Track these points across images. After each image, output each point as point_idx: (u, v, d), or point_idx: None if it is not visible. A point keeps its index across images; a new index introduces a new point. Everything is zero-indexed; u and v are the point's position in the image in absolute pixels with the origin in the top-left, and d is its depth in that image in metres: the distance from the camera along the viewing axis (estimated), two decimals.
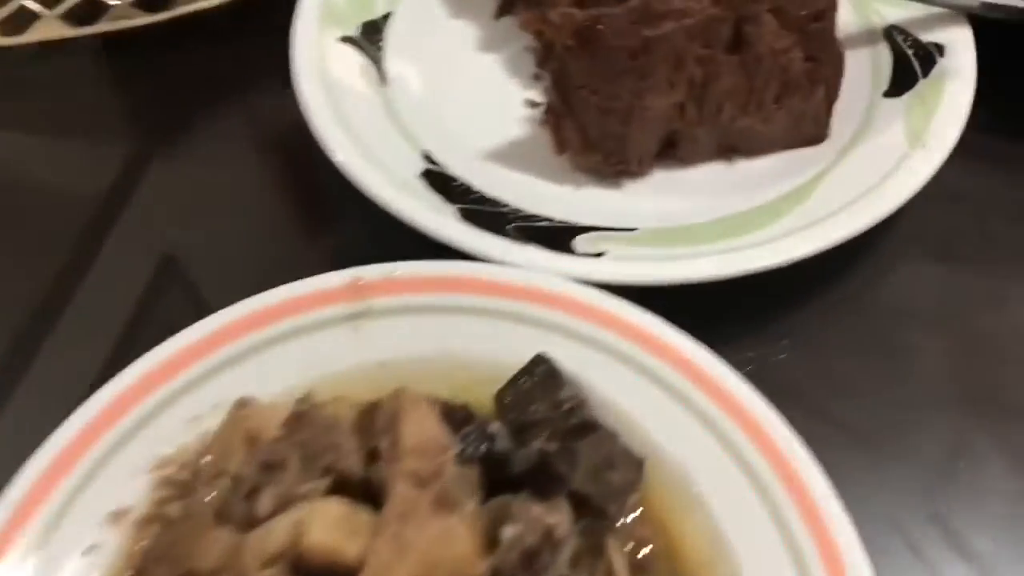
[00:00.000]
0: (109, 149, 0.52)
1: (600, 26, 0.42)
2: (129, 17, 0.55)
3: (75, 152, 0.52)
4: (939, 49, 0.48)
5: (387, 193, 0.42)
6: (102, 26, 0.54)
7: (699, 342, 0.36)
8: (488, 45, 0.52)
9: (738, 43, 0.44)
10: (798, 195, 0.44)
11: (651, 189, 0.46)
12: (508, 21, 0.52)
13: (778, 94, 0.45)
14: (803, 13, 0.44)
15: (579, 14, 0.42)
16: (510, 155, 0.47)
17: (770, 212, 0.43)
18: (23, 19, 0.55)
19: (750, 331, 0.43)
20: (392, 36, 0.51)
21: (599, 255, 0.41)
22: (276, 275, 0.39)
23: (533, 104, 0.49)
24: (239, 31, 0.55)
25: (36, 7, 0.55)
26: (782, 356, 0.42)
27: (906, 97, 0.47)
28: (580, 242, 0.42)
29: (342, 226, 0.47)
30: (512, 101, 0.50)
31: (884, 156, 0.44)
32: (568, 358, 0.37)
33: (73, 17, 0.55)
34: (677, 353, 0.36)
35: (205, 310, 0.38)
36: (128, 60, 0.55)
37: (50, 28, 0.54)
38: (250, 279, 0.40)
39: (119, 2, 0.55)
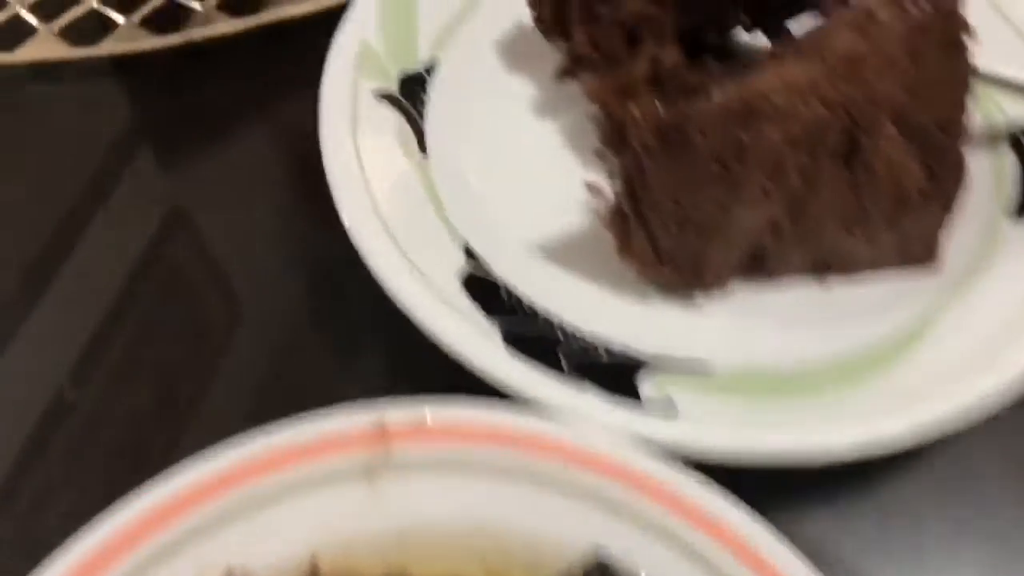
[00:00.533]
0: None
1: (688, 126, 0.35)
2: (135, 39, 0.48)
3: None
4: None
5: (424, 308, 0.36)
6: (107, 46, 0.48)
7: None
8: (545, 110, 0.45)
9: (850, 152, 0.37)
10: (907, 341, 0.37)
11: (729, 309, 0.39)
12: (571, 88, 0.45)
13: (890, 213, 0.38)
14: (928, 121, 0.37)
15: (664, 110, 0.35)
16: (564, 252, 0.40)
17: (872, 363, 0.36)
18: (17, 34, 0.48)
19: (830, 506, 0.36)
20: (436, 93, 0.44)
21: (668, 405, 0.34)
22: (277, 396, 0.33)
23: (593, 189, 0.42)
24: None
25: (33, 20, 0.48)
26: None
27: None
28: (645, 382, 0.35)
29: (361, 322, 0.41)
30: (569, 183, 0.42)
31: (1011, 298, 0.38)
32: (632, 549, 0.30)
33: (73, 34, 0.48)
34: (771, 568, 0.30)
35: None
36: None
37: (47, 46, 0.48)
38: (241, 401, 0.34)
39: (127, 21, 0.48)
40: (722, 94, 0.36)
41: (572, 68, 0.44)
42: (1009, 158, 0.42)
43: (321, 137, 0.40)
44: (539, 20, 0.45)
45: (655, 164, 0.36)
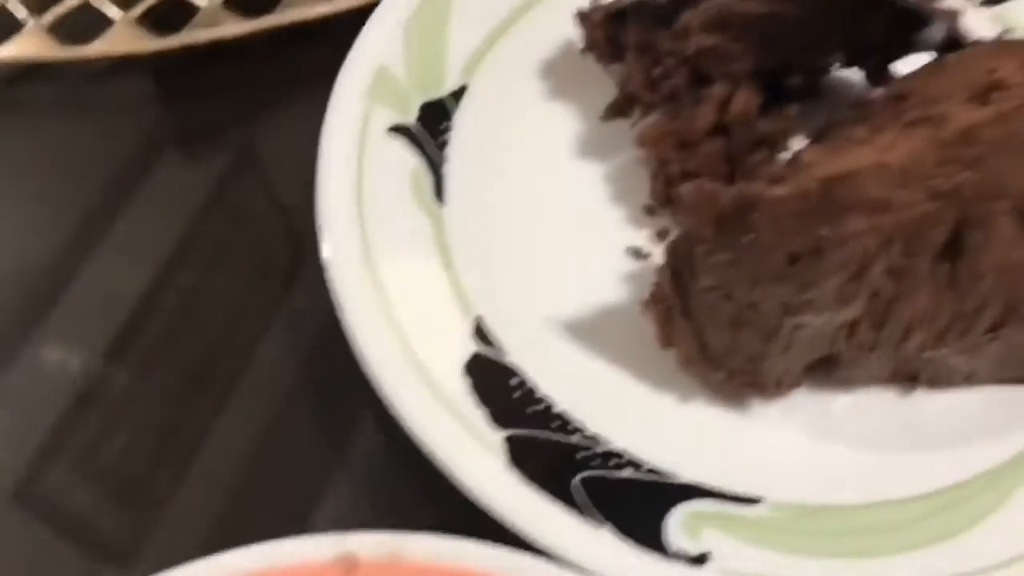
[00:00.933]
0: None
1: (757, 214, 0.28)
2: (132, 38, 0.42)
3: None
4: None
5: (417, 413, 0.30)
6: (97, 47, 0.42)
7: None
8: (589, 150, 0.38)
9: (953, 251, 0.30)
10: (1010, 479, 0.30)
11: (790, 420, 0.32)
12: (620, 125, 0.38)
13: (995, 322, 0.31)
14: None
15: (726, 192, 0.28)
16: (594, 333, 0.34)
17: (968, 509, 0.30)
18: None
19: None
20: (461, 126, 0.38)
21: (701, 558, 0.28)
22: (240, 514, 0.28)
23: (638, 254, 0.36)
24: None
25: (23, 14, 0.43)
26: None
27: None
28: (676, 523, 0.29)
29: (344, 414, 0.34)
30: (611, 243, 0.36)
31: None
32: None
33: (63, 31, 0.43)
34: None
35: None
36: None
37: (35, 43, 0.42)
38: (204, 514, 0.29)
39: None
40: (800, 174, 0.29)
41: (624, 105, 0.37)
42: None
43: (318, 183, 0.34)
44: (590, 43, 0.38)
45: (708, 255, 0.29)
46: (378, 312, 0.32)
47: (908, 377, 0.33)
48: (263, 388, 0.35)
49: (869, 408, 0.33)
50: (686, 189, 0.28)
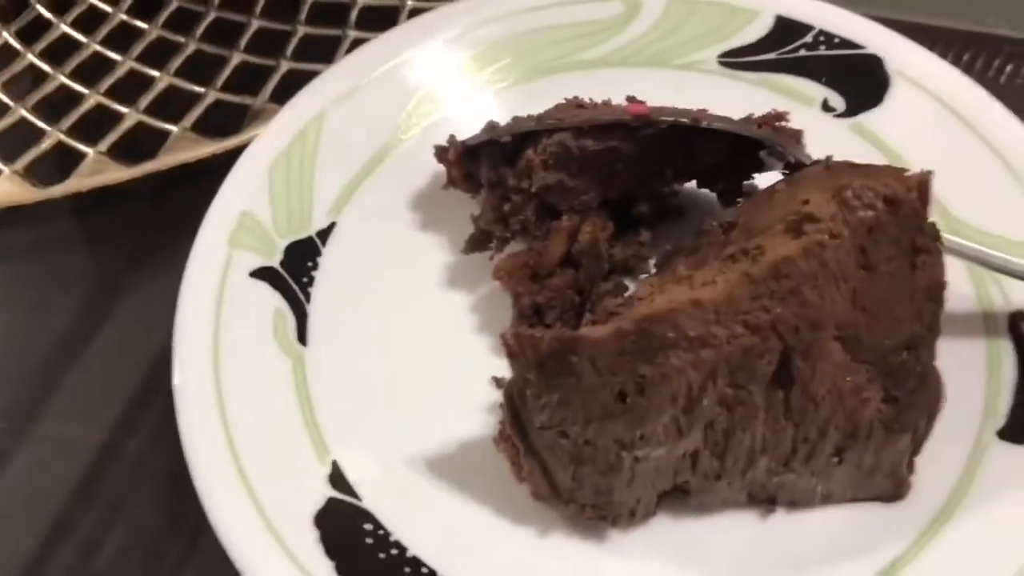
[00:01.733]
0: None
1: (575, 357, 0.29)
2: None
3: None
4: None
5: (256, 561, 0.30)
6: None
7: None
8: (456, 281, 0.38)
9: (784, 380, 0.30)
10: None
11: (651, 549, 0.32)
12: (485, 256, 0.38)
13: (839, 446, 0.31)
14: (885, 339, 0.30)
15: (545, 337, 0.29)
16: (452, 469, 0.34)
17: None
18: None
19: None
20: (327, 265, 0.38)
21: None
22: None
23: (502, 384, 0.36)
24: None
25: None
26: None
27: None
28: None
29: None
30: (473, 375, 0.36)
31: (998, 542, 0.31)
32: None
33: None
34: None
35: None
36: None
37: None
38: None
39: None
40: (623, 314, 0.29)
41: (482, 239, 0.38)
42: (1007, 359, 0.35)
43: (174, 333, 0.35)
44: (450, 179, 0.39)
45: (537, 397, 0.29)
46: (226, 458, 0.32)
47: (766, 500, 0.33)
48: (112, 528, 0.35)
49: (730, 532, 0.32)
50: (507, 335, 0.29)
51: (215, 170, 0.41)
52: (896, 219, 0.29)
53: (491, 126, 0.37)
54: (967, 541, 0.31)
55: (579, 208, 0.35)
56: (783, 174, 0.36)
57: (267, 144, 0.40)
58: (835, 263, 0.29)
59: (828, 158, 0.34)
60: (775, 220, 0.30)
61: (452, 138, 0.38)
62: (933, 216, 0.34)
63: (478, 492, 0.33)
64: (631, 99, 0.37)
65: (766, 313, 0.29)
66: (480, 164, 0.37)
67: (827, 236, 0.29)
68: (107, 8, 0.50)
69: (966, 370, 0.34)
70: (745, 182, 0.37)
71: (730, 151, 0.36)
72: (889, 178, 0.29)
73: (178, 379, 0.34)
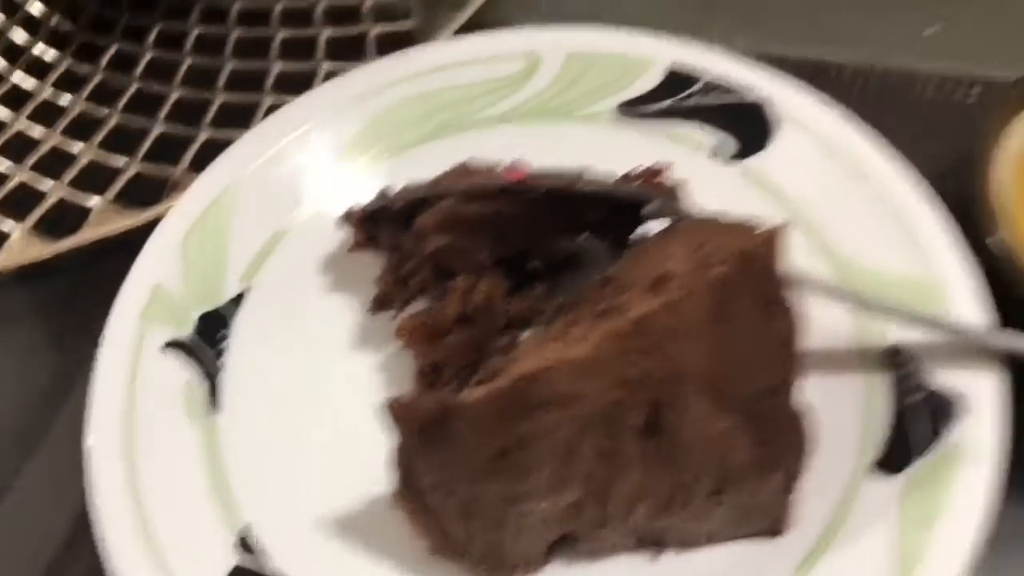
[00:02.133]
0: None
1: (454, 422, 0.30)
2: None
3: None
4: (959, 405, 0.35)
5: None
6: None
7: None
8: (364, 342, 0.40)
9: (655, 430, 0.32)
10: None
11: None
12: (389, 319, 0.40)
13: (714, 489, 0.33)
14: (748, 389, 0.32)
15: (423, 403, 0.30)
16: (360, 527, 0.35)
17: None
18: None
19: None
20: (239, 332, 0.40)
21: None
22: None
23: None
24: None
25: None
26: None
27: (903, 478, 0.34)
28: None
29: None
30: (380, 435, 0.34)
31: (872, 570, 0.32)
32: None
33: None
34: None
35: None
36: None
37: None
38: None
39: None
40: (500, 375, 0.31)
41: (385, 300, 0.39)
42: (879, 394, 0.36)
43: (87, 408, 0.36)
44: (355, 242, 0.40)
45: (422, 459, 0.31)
46: (135, 528, 0.34)
47: (654, 543, 0.34)
48: None
49: (619, 570, 0.34)
50: (390, 402, 0.31)
51: (137, 242, 0.43)
52: (748, 273, 0.31)
53: (383, 193, 0.38)
54: (841, 572, 0.33)
55: (474, 267, 0.37)
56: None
57: (180, 216, 0.42)
58: (692, 318, 0.30)
59: (688, 217, 0.35)
60: (641, 277, 0.32)
61: (354, 204, 0.40)
62: (817, 255, 0.36)
63: (385, 549, 0.35)
64: (513, 166, 0.39)
65: (633, 367, 0.30)
66: (379, 228, 0.39)
67: (685, 292, 0.30)
68: (31, 87, 0.52)
69: (843, 406, 0.36)
70: (631, 235, 0.39)
71: (613, 208, 0.37)
72: (741, 235, 0.31)
73: (91, 453, 0.35)
